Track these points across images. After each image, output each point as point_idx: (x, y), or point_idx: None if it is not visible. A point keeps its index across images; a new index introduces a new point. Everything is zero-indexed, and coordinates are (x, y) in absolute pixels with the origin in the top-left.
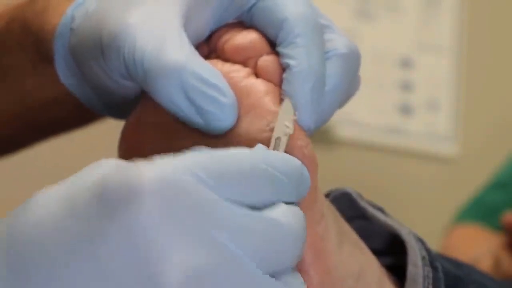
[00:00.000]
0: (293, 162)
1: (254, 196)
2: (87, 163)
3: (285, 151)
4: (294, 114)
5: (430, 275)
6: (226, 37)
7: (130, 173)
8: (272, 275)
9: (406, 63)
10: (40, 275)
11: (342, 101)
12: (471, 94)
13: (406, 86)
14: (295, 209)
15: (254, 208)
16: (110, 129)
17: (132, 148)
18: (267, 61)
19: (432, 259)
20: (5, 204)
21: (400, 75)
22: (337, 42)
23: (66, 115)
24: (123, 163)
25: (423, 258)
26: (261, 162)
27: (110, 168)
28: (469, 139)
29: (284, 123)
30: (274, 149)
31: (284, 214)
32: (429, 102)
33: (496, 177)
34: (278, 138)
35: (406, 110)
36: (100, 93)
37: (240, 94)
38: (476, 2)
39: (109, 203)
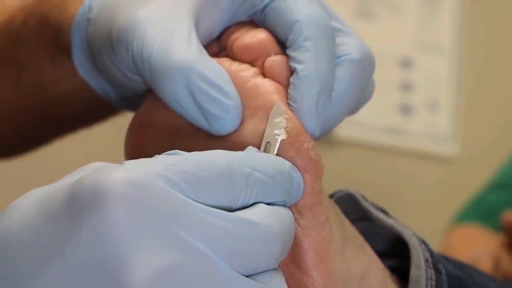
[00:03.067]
0: (281, 164)
1: (229, 198)
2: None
3: (291, 154)
4: (285, 119)
5: (433, 277)
6: (235, 35)
7: (99, 176)
8: (248, 275)
9: (406, 63)
10: (13, 283)
11: (353, 107)
12: (471, 94)
13: (406, 86)
14: (278, 209)
15: (230, 209)
16: (116, 127)
17: (137, 146)
18: (274, 61)
19: (435, 261)
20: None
21: (400, 75)
22: (350, 47)
23: (84, 108)
24: (102, 165)
25: (426, 260)
26: (238, 163)
27: (87, 171)
28: (469, 139)
29: (274, 128)
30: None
31: (261, 215)
32: (429, 102)
33: (496, 177)
34: (268, 143)
35: (406, 110)
36: (113, 86)
37: (246, 95)
38: (476, 2)
39: (78, 204)
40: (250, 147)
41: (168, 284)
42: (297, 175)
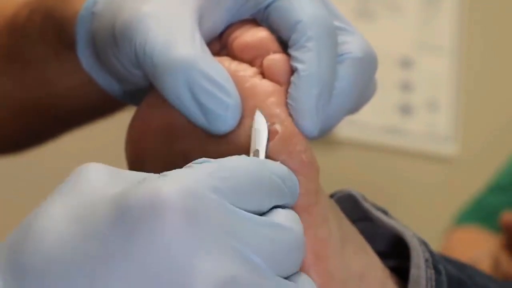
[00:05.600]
0: (283, 168)
1: (261, 204)
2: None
3: (283, 157)
4: (268, 126)
5: (433, 277)
6: (236, 34)
7: (153, 187)
8: (287, 279)
9: (406, 63)
10: None
11: (354, 106)
12: (471, 94)
13: (406, 86)
14: (292, 212)
15: (260, 214)
16: (117, 122)
17: (137, 143)
18: (273, 60)
19: (436, 262)
20: (5, 204)
21: (400, 75)
22: (352, 45)
23: (89, 103)
24: (109, 168)
25: (426, 260)
26: (265, 170)
27: (96, 174)
28: (469, 139)
29: (259, 135)
30: None
31: (286, 219)
32: (429, 102)
33: (496, 179)
34: (256, 151)
35: (406, 110)
36: (117, 80)
37: (245, 95)
38: (476, 2)
39: (133, 219)
40: (242, 155)
41: None
42: (294, 177)
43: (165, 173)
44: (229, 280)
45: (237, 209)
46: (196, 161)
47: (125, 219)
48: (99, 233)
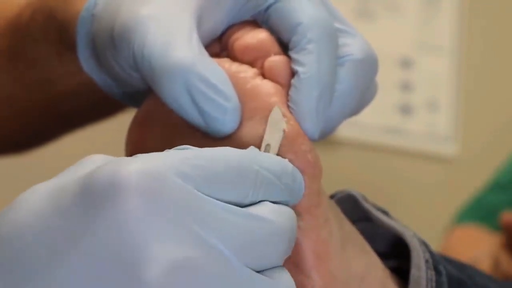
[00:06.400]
0: (285, 164)
1: (239, 195)
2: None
3: (288, 156)
4: (285, 122)
5: (434, 278)
6: (236, 35)
7: (115, 168)
8: (258, 271)
9: (406, 63)
10: (25, 275)
11: (355, 108)
12: (471, 94)
13: (406, 86)
14: (283, 208)
15: (240, 206)
16: (117, 123)
17: (137, 144)
18: (274, 61)
19: (436, 263)
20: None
21: (400, 75)
22: (353, 47)
23: (90, 104)
24: (110, 158)
25: (426, 261)
26: (248, 160)
27: (96, 163)
28: (469, 139)
29: (274, 131)
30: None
31: (269, 212)
32: (429, 102)
33: (496, 178)
34: (268, 145)
35: (406, 110)
36: (116, 82)
37: (245, 96)
38: (476, 2)
39: (94, 196)
40: (252, 147)
41: (183, 278)
42: (299, 176)
43: (137, 155)
44: (182, 261)
45: (206, 196)
46: (178, 147)
47: (88, 197)
48: (64, 210)
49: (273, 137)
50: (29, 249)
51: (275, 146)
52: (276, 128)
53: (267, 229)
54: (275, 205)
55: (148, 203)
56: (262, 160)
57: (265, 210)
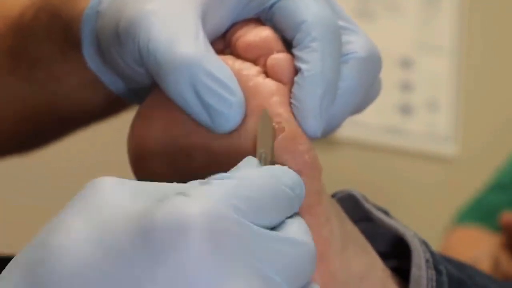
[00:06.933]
0: (293, 174)
1: (275, 218)
2: (91, 161)
3: (286, 157)
4: (274, 126)
5: (434, 278)
6: (240, 33)
7: (177, 210)
8: None
9: (406, 63)
10: None
11: (359, 106)
12: (471, 94)
13: (406, 86)
14: (303, 223)
15: (272, 229)
16: (120, 121)
17: (139, 141)
18: (277, 59)
19: (436, 262)
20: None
21: (400, 75)
22: (357, 45)
23: (95, 102)
24: (122, 180)
25: (427, 261)
26: (279, 183)
27: (109, 186)
28: (469, 139)
29: (265, 136)
30: (263, 163)
31: (299, 232)
32: (429, 102)
33: (496, 178)
34: (262, 152)
35: (406, 110)
36: (122, 79)
37: (248, 94)
38: (476, 2)
39: (158, 241)
40: (249, 157)
41: None
42: (302, 182)
43: (183, 188)
44: None
45: (256, 227)
46: (214, 176)
47: (150, 241)
48: (122, 254)
49: (266, 143)
50: None
51: (268, 153)
52: (267, 133)
53: (303, 251)
54: (297, 222)
55: (215, 247)
56: (283, 178)
57: (297, 231)
